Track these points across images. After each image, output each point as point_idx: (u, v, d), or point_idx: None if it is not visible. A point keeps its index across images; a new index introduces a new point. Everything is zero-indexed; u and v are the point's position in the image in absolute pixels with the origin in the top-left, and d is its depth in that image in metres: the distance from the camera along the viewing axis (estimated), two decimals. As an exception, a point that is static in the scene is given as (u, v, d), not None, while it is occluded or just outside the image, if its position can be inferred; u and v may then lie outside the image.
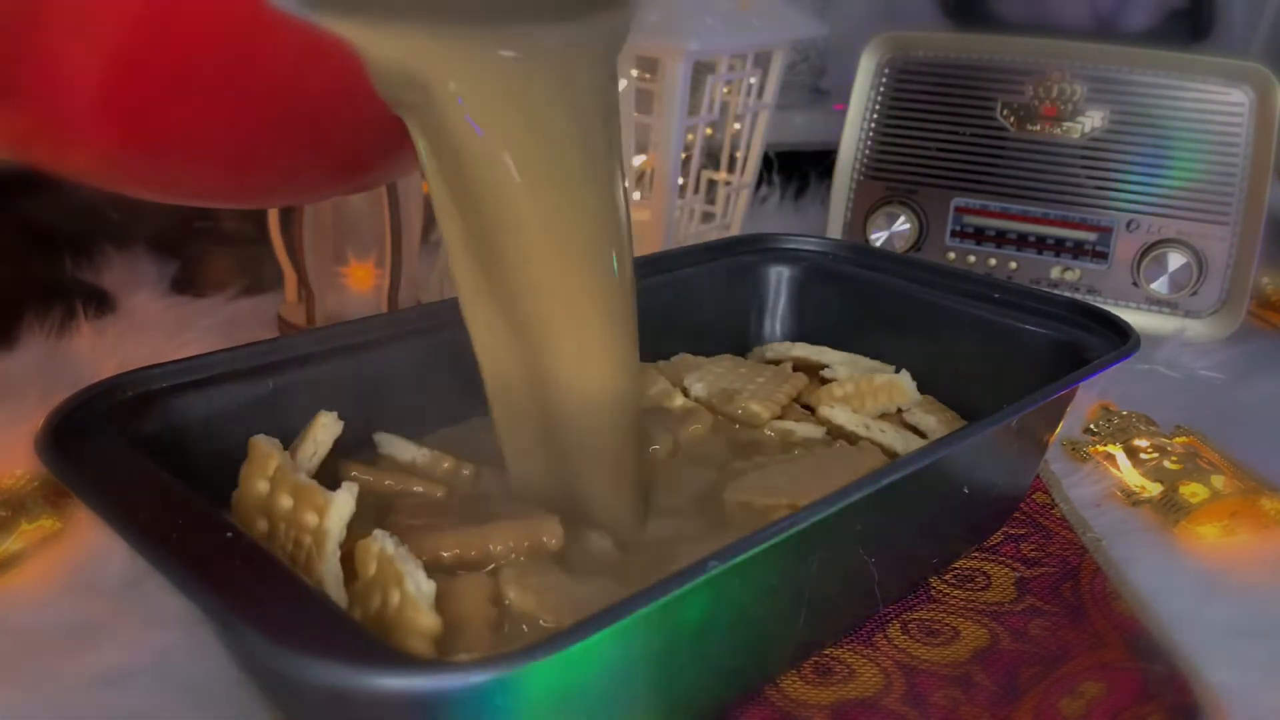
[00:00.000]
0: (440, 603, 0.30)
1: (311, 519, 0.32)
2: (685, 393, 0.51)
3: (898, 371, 0.51)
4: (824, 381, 0.53)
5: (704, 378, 0.51)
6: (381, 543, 0.31)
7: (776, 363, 0.55)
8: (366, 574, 0.31)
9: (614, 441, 0.38)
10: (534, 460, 0.39)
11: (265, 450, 0.34)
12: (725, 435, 0.48)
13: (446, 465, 0.42)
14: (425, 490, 0.41)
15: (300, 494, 0.32)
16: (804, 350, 0.54)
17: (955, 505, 0.44)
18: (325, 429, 0.37)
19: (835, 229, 0.82)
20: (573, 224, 0.35)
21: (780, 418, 0.49)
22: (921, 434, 0.49)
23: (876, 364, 0.53)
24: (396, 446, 0.43)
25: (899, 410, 0.51)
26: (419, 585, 0.30)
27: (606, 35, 0.36)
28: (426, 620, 0.29)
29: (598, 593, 0.34)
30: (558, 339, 0.36)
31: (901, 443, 0.47)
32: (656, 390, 0.50)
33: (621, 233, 0.36)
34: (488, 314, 0.36)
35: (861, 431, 0.48)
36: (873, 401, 0.50)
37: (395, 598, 0.30)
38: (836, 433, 0.49)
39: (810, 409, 0.52)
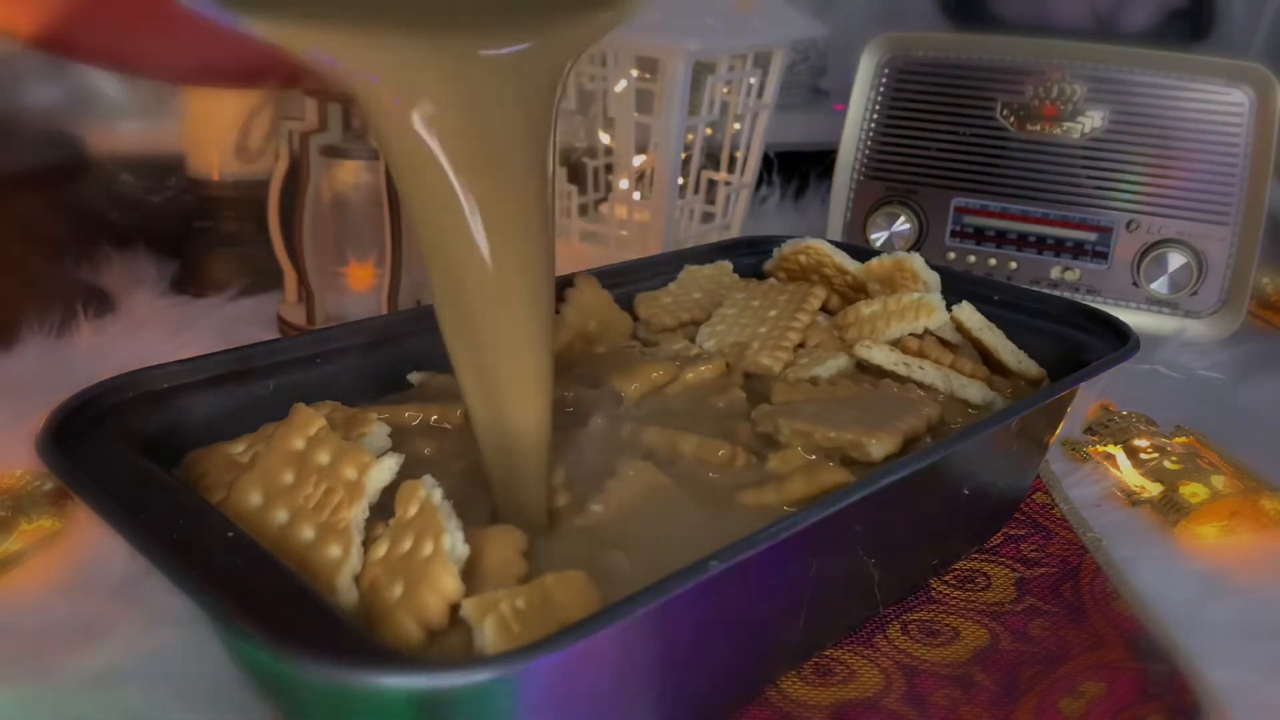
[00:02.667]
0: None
1: (350, 473, 0.32)
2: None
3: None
4: (844, 299, 0.53)
5: (715, 330, 0.50)
6: (429, 490, 0.31)
7: (791, 269, 0.55)
8: (405, 514, 0.31)
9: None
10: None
11: (310, 414, 0.34)
12: (746, 383, 0.47)
13: None
14: (441, 417, 0.42)
15: (342, 452, 0.33)
16: (818, 244, 0.54)
17: (955, 506, 0.44)
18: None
19: (835, 229, 0.82)
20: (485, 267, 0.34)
21: (792, 363, 0.48)
22: (958, 368, 0.48)
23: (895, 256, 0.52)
24: (433, 379, 0.44)
25: (925, 331, 0.49)
26: (454, 546, 0.30)
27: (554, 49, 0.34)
28: (451, 582, 0.29)
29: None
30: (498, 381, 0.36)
31: (943, 381, 0.46)
32: (678, 348, 0.49)
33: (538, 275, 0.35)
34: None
35: (901, 371, 0.47)
36: (899, 321, 0.49)
37: (428, 548, 0.30)
38: (875, 371, 0.47)
39: (830, 313, 0.52)
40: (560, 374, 0.46)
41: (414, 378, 0.45)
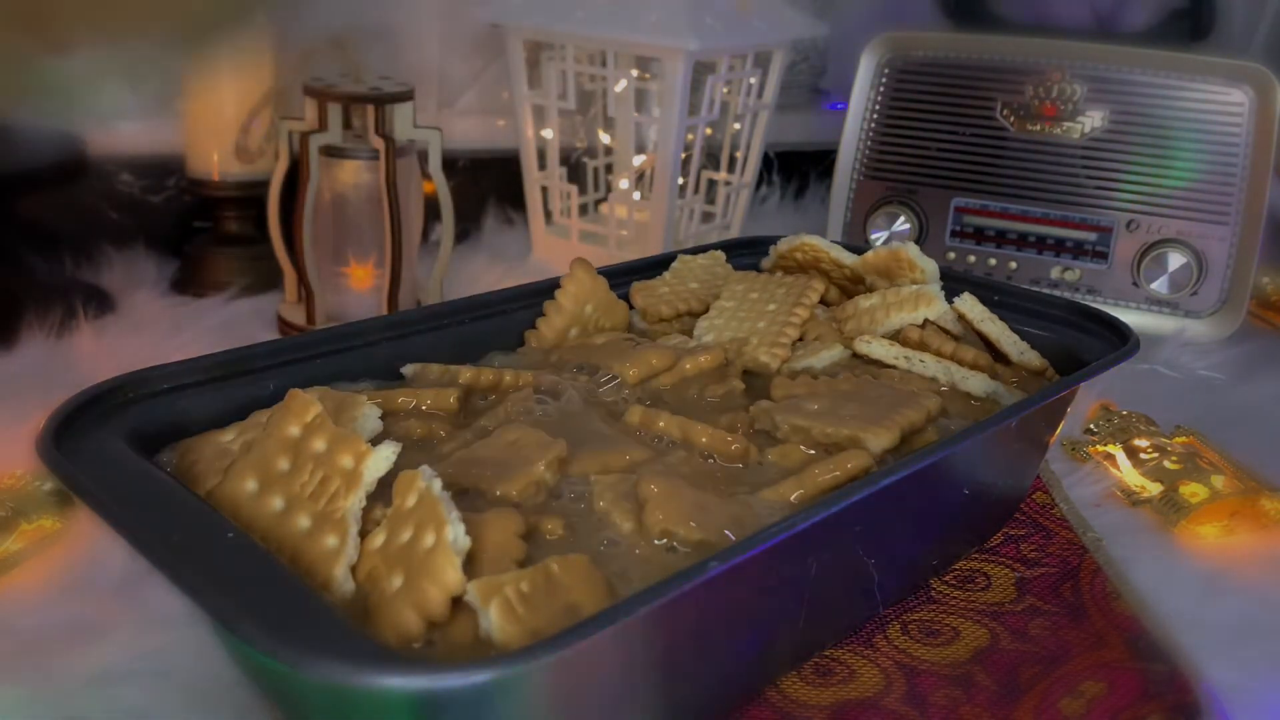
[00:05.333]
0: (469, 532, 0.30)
1: (346, 462, 0.32)
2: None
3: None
4: (844, 291, 0.53)
5: (713, 324, 0.50)
6: (428, 481, 0.31)
7: (789, 266, 0.55)
8: (404, 504, 0.31)
9: None
10: None
11: (307, 400, 0.34)
12: (744, 376, 0.47)
13: (467, 375, 0.44)
14: (434, 402, 0.42)
15: (338, 440, 0.33)
16: (814, 241, 0.54)
17: (955, 506, 0.44)
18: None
19: (835, 229, 0.82)
20: None
21: (789, 359, 0.48)
22: (960, 359, 0.47)
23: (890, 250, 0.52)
24: (426, 370, 0.44)
25: (926, 321, 0.49)
26: (457, 538, 0.29)
27: None
28: (454, 576, 0.29)
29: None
30: None
31: (943, 373, 0.46)
32: (677, 341, 0.49)
33: None
34: None
35: (901, 364, 0.47)
36: (898, 312, 0.49)
37: (429, 540, 0.30)
38: (875, 362, 0.47)
39: (829, 305, 0.52)
40: (555, 366, 0.46)
41: (407, 370, 0.45)
